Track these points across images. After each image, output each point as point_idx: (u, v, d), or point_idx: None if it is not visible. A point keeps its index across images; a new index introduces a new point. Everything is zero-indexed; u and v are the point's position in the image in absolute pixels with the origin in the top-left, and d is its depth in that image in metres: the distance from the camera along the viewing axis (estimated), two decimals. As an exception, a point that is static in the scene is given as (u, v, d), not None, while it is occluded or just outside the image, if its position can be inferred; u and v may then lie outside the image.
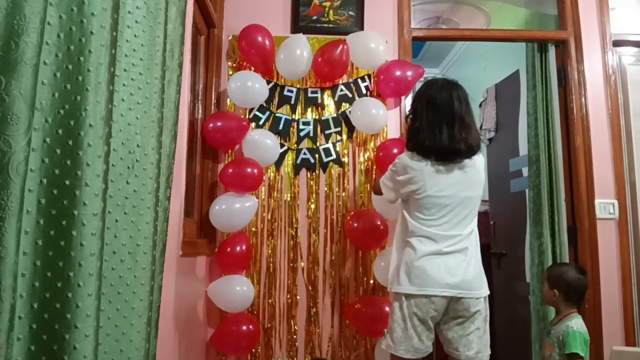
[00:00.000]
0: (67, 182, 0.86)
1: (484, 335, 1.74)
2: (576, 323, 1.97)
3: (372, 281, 2.42)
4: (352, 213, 2.41)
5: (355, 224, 2.33)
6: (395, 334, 1.73)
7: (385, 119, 2.43)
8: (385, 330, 1.82)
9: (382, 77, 2.45)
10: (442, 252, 1.73)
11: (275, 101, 2.53)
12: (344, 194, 2.50)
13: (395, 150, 2.29)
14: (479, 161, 1.86)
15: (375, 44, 2.44)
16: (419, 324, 1.71)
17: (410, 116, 1.91)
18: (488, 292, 1.78)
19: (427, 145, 1.79)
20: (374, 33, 2.51)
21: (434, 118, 1.80)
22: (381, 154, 2.38)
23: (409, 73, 2.43)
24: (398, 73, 2.42)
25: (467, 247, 1.76)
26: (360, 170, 2.52)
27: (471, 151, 1.81)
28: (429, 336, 1.73)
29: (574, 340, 1.91)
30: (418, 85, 2.25)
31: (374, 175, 2.49)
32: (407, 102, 2.56)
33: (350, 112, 2.48)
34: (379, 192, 2.02)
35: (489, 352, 1.76)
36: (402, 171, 1.84)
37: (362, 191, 2.50)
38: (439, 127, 1.79)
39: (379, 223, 2.29)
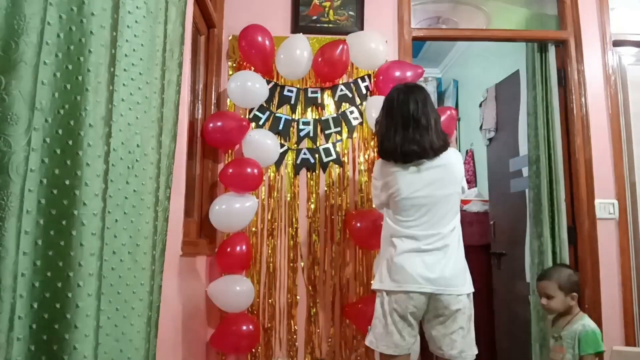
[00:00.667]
0: (67, 182, 0.86)
1: (467, 334, 1.75)
2: (589, 322, 1.98)
3: (372, 281, 2.42)
4: (355, 213, 2.41)
5: (359, 224, 2.33)
6: (376, 330, 1.77)
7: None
8: (369, 326, 1.83)
9: (381, 77, 2.45)
10: (421, 249, 1.76)
11: (275, 101, 2.53)
12: (344, 194, 2.50)
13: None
14: (453, 157, 1.88)
15: (375, 44, 2.44)
16: (399, 319, 1.73)
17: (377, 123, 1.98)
18: (471, 290, 1.79)
19: (385, 149, 1.87)
20: (374, 33, 2.51)
21: (390, 122, 1.87)
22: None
23: (409, 73, 2.43)
24: (397, 73, 2.42)
25: (447, 245, 1.78)
26: (360, 170, 2.52)
27: (428, 152, 1.82)
28: (411, 332, 1.75)
29: (595, 340, 1.92)
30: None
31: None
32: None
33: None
34: None
35: (475, 352, 1.76)
36: (378, 177, 1.93)
37: (362, 191, 2.50)
38: (394, 130, 1.84)
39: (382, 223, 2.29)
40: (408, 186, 1.82)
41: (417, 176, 1.83)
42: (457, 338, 1.73)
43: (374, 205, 2.00)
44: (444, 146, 1.86)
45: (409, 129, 1.82)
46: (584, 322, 1.98)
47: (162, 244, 1.29)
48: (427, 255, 1.76)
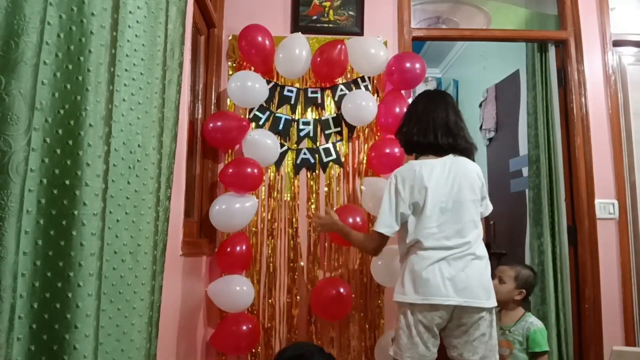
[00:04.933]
0: (67, 182, 0.86)
1: (489, 340, 1.72)
2: (536, 320, 2.05)
3: (371, 280, 2.42)
4: (339, 208, 2.40)
5: (352, 219, 2.32)
6: (401, 341, 1.73)
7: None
8: (392, 337, 1.83)
9: (393, 67, 2.41)
10: (446, 258, 1.72)
11: (275, 101, 2.53)
12: (344, 194, 2.50)
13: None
14: (478, 169, 1.89)
15: (375, 50, 2.44)
16: (424, 331, 1.70)
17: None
18: (495, 304, 1.75)
19: (417, 142, 1.88)
20: (373, 38, 2.50)
21: (422, 125, 1.89)
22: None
23: (417, 65, 2.40)
24: (408, 64, 2.39)
25: (473, 254, 1.74)
26: (360, 170, 2.52)
27: (461, 148, 1.86)
28: (435, 343, 1.72)
29: (542, 338, 1.99)
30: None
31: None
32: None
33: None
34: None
35: (497, 358, 1.73)
36: (401, 183, 1.84)
37: (362, 191, 2.49)
38: (426, 130, 1.88)
39: (358, 220, 2.27)
40: (435, 186, 1.77)
41: (444, 174, 1.80)
42: (479, 345, 1.70)
43: (381, 230, 1.79)
44: (470, 150, 1.88)
45: (438, 132, 1.83)
46: (532, 320, 2.03)
47: (162, 244, 1.29)
48: (453, 264, 1.71)
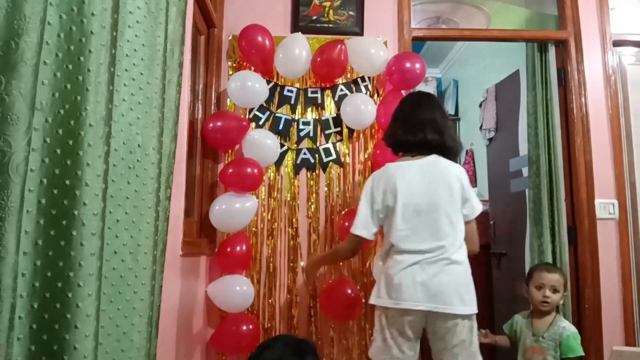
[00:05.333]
0: (67, 182, 0.86)
1: (470, 346, 1.70)
2: (569, 325, 2.00)
3: (371, 280, 2.42)
4: (344, 213, 2.40)
5: (347, 224, 2.32)
6: (375, 343, 1.76)
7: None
8: (372, 338, 1.83)
9: (393, 67, 2.41)
10: (420, 262, 1.70)
11: (275, 101, 2.53)
12: (344, 194, 2.50)
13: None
14: (461, 172, 1.87)
15: (375, 50, 2.43)
16: (397, 335, 1.70)
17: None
18: (474, 311, 1.71)
19: (397, 140, 1.93)
20: (373, 38, 2.50)
21: (404, 125, 1.92)
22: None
23: (417, 65, 2.41)
24: (407, 64, 2.39)
25: (449, 258, 1.71)
26: (360, 170, 2.52)
27: (441, 148, 1.86)
28: (412, 346, 1.71)
29: (576, 343, 1.94)
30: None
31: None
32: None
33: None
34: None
35: None
36: (376, 184, 1.87)
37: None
38: (407, 128, 1.91)
39: None
40: (407, 185, 1.77)
41: (419, 176, 1.79)
42: (459, 351, 1.68)
43: (357, 232, 1.83)
44: (456, 149, 1.88)
45: (425, 129, 1.83)
46: (565, 324, 1.99)
47: (162, 244, 1.29)
48: (426, 269, 1.69)
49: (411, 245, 1.73)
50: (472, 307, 1.71)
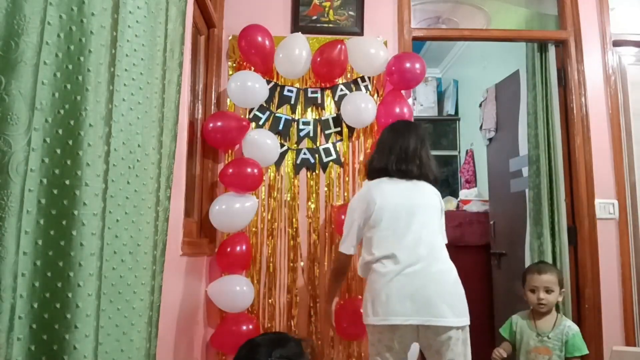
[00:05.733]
0: (67, 182, 0.86)
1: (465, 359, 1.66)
2: (572, 324, 2.00)
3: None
4: (339, 205, 2.40)
5: (343, 216, 2.32)
6: (370, 358, 1.74)
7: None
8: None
9: (393, 67, 2.41)
10: (404, 273, 1.64)
11: (275, 101, 2.53)
12: (344, 194, 2.50)
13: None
14: (438, 197, 1.90)
15: (375, 50, 2.43)
16: (385, 351, 1.66)
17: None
18: (466, 323, 1.66)
19: (374, 167, 1.94)
20: (373, 38, 2.50)
21: (386, 153, 1.94)
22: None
23: (417, 65, 2.41)
24: (407, 65, 2.39)
25: (434, 266, 1.67)
26: (360, 170, 2.52)
27: (420, 175, 1.88)
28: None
29: (581, 341, 1.94)
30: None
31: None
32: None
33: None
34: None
35: None
36: (356, 203, 1.89)
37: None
38: (388, 156, 1.92)
39: None
40: (384, 194, 1.78)
41: (397, 186, 1.81)
42: None
43: (342, 249, 1.87)
44: (435, 179, 1.89)
45: (407, 159, 1.85)
46: (569, 324, 1.99)
47: (162, 244, 1.29)
48: (413, 280, 1.63)
49: (394, 256, 1.68)
50: (464, 319, 1.65)
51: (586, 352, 1.94)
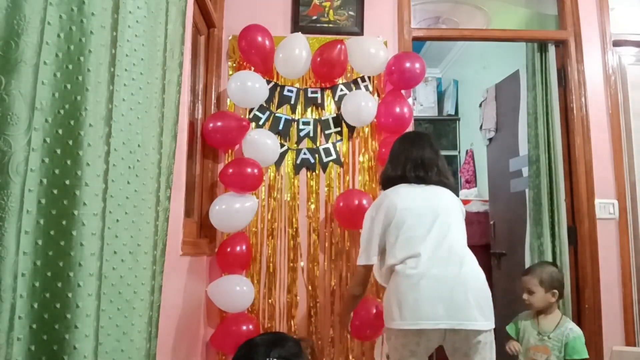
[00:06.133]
0: (67, 182, 0.86)
1: None
2: (575, 326, 1.99)
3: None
4: (342, 194, 2.40)
5: (342, 203, 2.32)
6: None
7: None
8: (386, 354, 1.81)
9: (393, 67, 2.41)
10: (433, 276, 1.59)
11: (275, 101, 2.53)
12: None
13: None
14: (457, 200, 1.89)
15: (375, 49, 2.43)
16: (409, 356, 1.60)
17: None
18: (493, 326, 1.61)
19: (389, 175, 1.93)
20: (373, 38, 2.50)
21: (400, 163, 1.93)
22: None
23: (417, 65, 2.41)
24: (407, 64, 2.40)
25: (463, 267, 1.62)
26: (360, 170, 2.52)
27: (437, 181, 1.87)
28: None
29: (582, 345, 1.93)
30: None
31: (375, 175, 2.49)
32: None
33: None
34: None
35: None
36: (375, 210, 1.85)
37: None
38: (404, 165, 1.90)
39: (365, 203, 2.27)
40: (404, 197, 1.76)
41: (415, 190, 1.79)
42: None
43: (362, 263, 1.80)
44: (445, 184, 1.86)
45: (424, 167, 1.83)
46: (571, 326, 1.98)
47: (162, 244, 1.29)
48: (441, 282, 1.57)
49: (417, 251, 1.63)
50: (492, 322, 1.62)
51: (586, 356, 1.93)
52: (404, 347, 1.60)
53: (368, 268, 1.80)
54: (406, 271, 1.62)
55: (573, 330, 1.96)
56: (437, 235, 1.67)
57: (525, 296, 2.03)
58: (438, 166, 1.85)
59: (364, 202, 2.28)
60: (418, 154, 1.85)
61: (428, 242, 1.65)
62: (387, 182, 1.89)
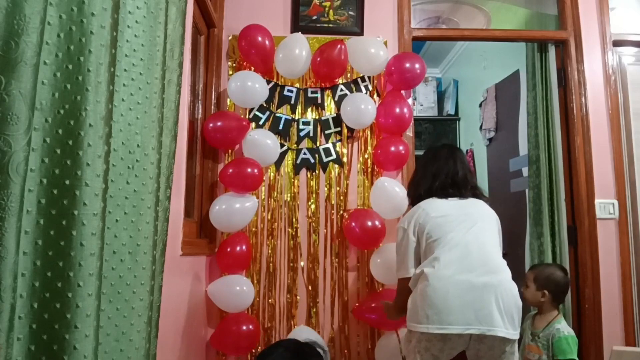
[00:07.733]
0: (67, 182, 0.86)
1: None
2: (565, 327, 1.97)
3: (372, 280, 2.42)
4: (351, 212, 2.41)
5: (353, 224, 2.33)
6: None
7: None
8: (403, 356, 1.79)
9: (393, 67, 2.42)
10: (464, 280, 1.56)
11: (275, 101, 2.53)
12: (344, 194, 2.50)
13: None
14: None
15: (375, 49, 2.44)
16: (430, 359, 1.57)
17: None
18: (518, 337, 1.58)
19: (422, 189, 1.90)
20: (373, 38, 2.50)
21: (431, 175, 1.91)
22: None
23: (417, 65, 2.42)
24: (407, 65, 2.40)
25: (496, 273, 1.60)
26: (360, 170, 2.52)
27: (468, 193, 1.86)
28: None
29: (567, 345, 1.90)
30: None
31: (373, 176, 2.49)
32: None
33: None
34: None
35: None
36: (406, 223, 1.83)
37: (361, 191, 2.50)
38: (434, 178, 1.90)
39: (377, 223, 2.29)
40: (439, 207, 1.73)
41: (450, 202, 1.76)
42: None
43: (401, 275, 1.75)
44: (488, 201, 1.85)
45: (458, 183, 1.82)
46: (560, 326, 1.95)
47: (162, 244, 1.29)
48: (472, 287, 1.54)
49: (448, 255, 1.59)
50: (518, 333, 1.59)
51: (572, 357, 1.88)
52: (427, 351, 1.56)
53: (408, 279, 1.74)
54: (437, 273, 1.58)
55: (560, 331, 1.94)
56: (472, 241, 1.64)
57: (523, 288, 2.03)
58: (473, 183, 1.85)
59: (377, 223, 2.29)
60: (452, 170, 1.83)
61: (461, 247, 1.62)
62: (418, 197, 1.85)
